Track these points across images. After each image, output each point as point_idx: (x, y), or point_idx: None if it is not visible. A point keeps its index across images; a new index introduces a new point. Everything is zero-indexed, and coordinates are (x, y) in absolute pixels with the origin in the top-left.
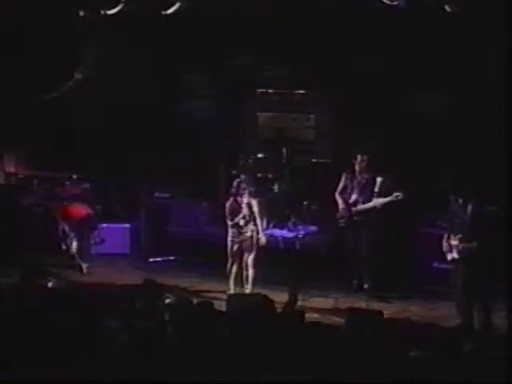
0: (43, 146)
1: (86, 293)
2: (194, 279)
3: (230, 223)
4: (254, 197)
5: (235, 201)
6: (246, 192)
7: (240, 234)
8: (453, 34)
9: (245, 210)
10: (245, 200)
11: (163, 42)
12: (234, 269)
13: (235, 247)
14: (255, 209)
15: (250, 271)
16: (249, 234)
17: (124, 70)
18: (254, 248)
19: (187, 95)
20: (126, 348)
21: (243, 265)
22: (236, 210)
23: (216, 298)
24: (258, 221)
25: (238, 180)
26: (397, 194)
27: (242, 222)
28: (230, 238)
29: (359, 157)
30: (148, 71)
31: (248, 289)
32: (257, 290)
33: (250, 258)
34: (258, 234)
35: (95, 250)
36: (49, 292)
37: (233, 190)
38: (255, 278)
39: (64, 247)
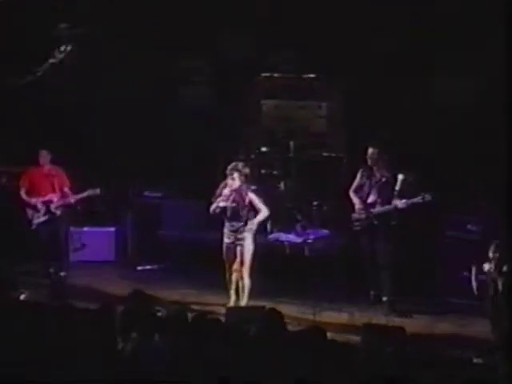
0: (13, 138)
1: (64, 306)
2: (188, 290)
3: (212, 208)
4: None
5: (226, 184)
6: (236, 174)
7: (233, 232)
8: (476, 16)
9: (226, 191)
10: (233, 181)
11: (156, 23)
12: (234, 278)
13: (229, 250)
14: (255, 200)
15: (246, 281)
16: (242, 234)
17: (110, 56)
18: (249, 254)
19: (183, 82)
20: (112, 365)
21: (238, 274)
22: (222, 192)
23: (214, 312)
24: (256, 219)
25: (234, 163)
26: (424, 195)
27: (222, 204)
28: (224, 239)
29: (370, 150)
30: (133, 58)
31: (243, 300)
32: (260, 303)
33: (244, 267)
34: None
35: (76, 256)
36: (20, 305)
37: (226, 173)
38: (252, 289)
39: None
